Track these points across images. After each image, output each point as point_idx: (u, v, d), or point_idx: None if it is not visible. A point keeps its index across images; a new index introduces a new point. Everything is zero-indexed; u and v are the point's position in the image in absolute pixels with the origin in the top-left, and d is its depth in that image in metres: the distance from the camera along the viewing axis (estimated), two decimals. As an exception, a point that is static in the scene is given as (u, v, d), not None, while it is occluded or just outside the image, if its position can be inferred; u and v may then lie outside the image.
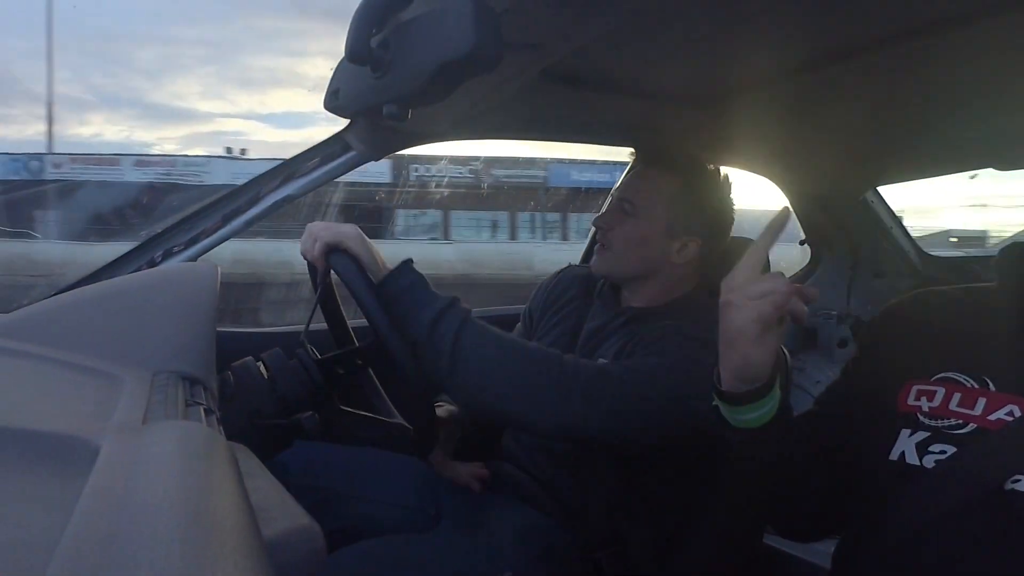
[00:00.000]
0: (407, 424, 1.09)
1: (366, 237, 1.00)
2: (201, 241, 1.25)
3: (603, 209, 1.22)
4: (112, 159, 19.08)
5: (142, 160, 19.48)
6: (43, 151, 18.29)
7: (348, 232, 0.98)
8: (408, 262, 1.00)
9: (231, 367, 0.99)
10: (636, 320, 1.15)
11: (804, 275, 2.48)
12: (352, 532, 1.07)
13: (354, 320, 1.21)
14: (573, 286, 1.31)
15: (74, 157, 18.74)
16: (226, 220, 1.27)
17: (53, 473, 0.38)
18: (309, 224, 1.01)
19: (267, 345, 1.07)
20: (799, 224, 2.37)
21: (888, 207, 2.26)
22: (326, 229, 0.98)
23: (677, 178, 1.17)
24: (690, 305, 1.16)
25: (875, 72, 1.07)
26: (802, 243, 2.44)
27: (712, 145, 1.57)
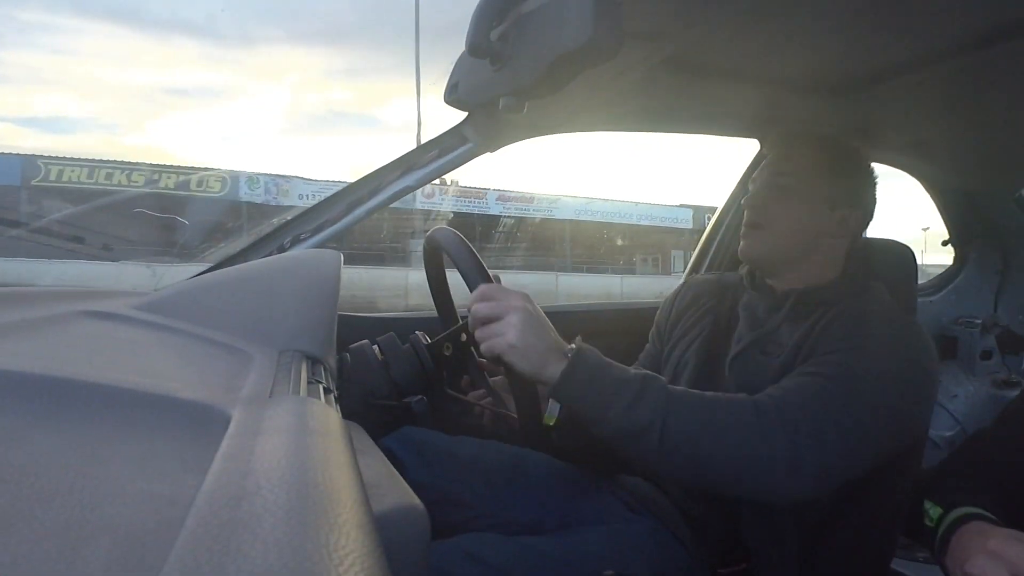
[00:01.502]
0: (513, 414, 1.10)
1: (531, 329, 0.84)
2: (326, 229, 1.33)
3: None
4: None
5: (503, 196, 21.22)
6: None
7: (504, 345, 0.84)
8: (580, 353, 0.85)
9: (349, 349, 1.04)
10: (802, 303, 1.06)
11: (946, 278, 2.28)
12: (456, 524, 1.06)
13: (461, 304, 1.23)
14: (705, 293, 1.24)
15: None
16: (349, 208, 1.33)
17: (191, 436, 0.42)
18: (475, 312, 0.87)
19: (383, 330, 1.11)
20: (943, 222, 2.18)
21: (1049, 206, 2.04)
22: (487, 339, 0.85)
23: (828, 152, 1.09)
24: (856, 285, 1.07)
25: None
26: (945, 243, 2.24)
27: (844, 136, 1.47)
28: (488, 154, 1.34)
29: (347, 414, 0.58)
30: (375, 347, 1.05)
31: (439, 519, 0.46)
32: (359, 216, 1.33)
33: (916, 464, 1.04)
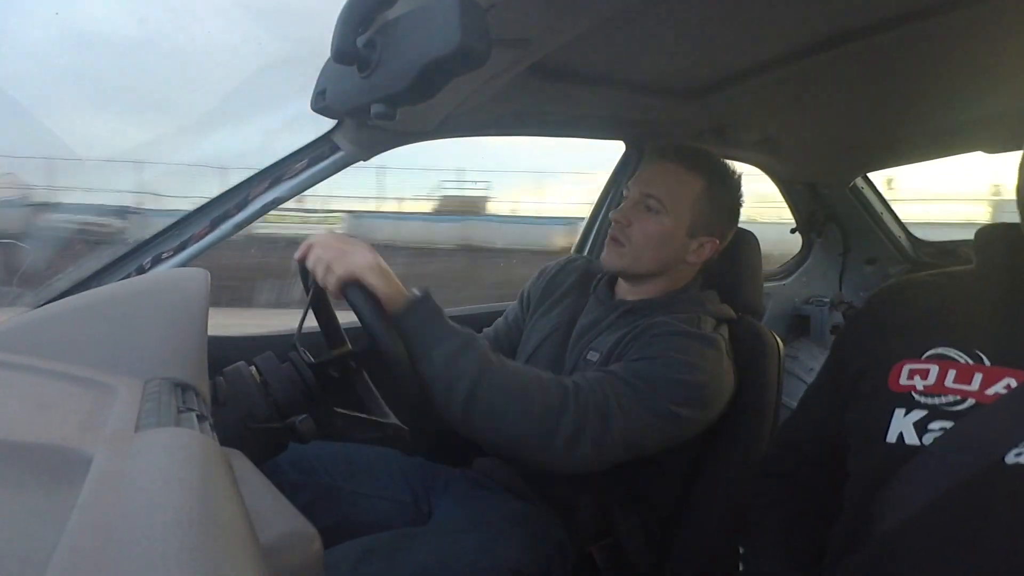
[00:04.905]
0: (401, 425, 1.08)
1: (382, 262, 0.93)
2: (190, 246, 1.24)
3: (618, 202, 1.21)
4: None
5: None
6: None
7: (363, 263, 0.92)
8: (426, 296, 0.95)
9: (223, 372, 0.98)
10: (630, 312, 1.15)
11: (796, 263, 2.49)
12: (347, 527, 1.07)
13: (346, 322, 1.20)
14: (572, 275, 1.31)
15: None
16: (215, 224, 1.26)
17: (46, 485, 0.38)
18: (317, 242, 0.94)
19: (259, 349, 1.06)
20: (790, 212, 2.38)
21: (879, 193, 2.27)
22: (340, 259, 0.91)
23: (701, 177, 1.14)
24: (679, 298, 1.17)
25: (862, 60, 1.07)
26: (793, 231, 2.45)
27: (701, 136, 1.57)
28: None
29: (226, 441, 0.55)
30: (252, 368, 1.00)
31: (317, 517, 0.46)
32: (226, 232, 1.26)
33: (746, 460, 1.13)
